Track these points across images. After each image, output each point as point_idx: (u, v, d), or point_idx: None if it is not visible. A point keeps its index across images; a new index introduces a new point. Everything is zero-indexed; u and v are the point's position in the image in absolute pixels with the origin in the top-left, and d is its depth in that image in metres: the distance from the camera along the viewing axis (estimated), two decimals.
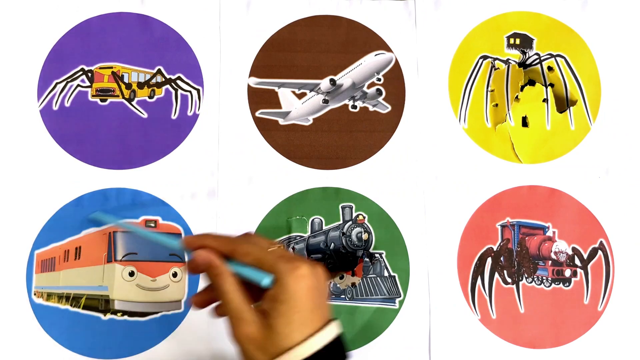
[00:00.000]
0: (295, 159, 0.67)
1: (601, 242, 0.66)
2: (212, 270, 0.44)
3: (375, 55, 0.69)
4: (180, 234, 0.64)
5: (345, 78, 0.68)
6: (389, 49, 0.69)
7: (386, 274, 0.64)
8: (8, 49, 0.67)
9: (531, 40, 0.70)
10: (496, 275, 0.65)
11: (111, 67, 0.68)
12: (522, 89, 0.69)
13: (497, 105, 0.69)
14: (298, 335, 0.40)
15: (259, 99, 0.68)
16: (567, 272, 0.65)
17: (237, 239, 0.45)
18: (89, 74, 0.67)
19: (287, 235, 0.65)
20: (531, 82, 0.69)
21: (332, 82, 0.68)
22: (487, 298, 0.65)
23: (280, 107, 0.68)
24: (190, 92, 0.67)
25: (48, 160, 0.65)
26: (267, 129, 0.67)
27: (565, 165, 0.68)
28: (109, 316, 0.62)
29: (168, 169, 0.65)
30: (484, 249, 0.66)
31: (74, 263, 0.63)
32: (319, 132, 0.67)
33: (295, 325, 0.40)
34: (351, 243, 0.65)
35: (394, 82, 0.69)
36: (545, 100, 0.69)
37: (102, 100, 0.67)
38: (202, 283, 0.63)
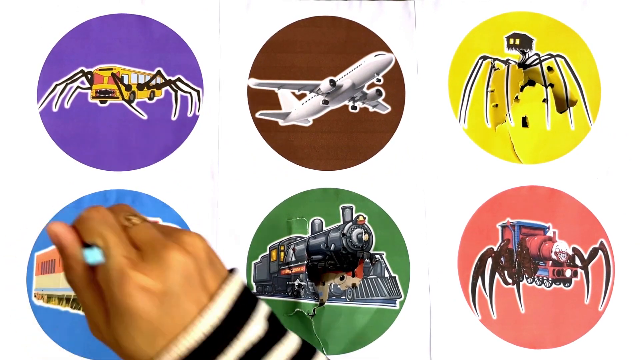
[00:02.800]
0: (295, 160, 0.67)
1: (601, 242, 0.66)
2: (60, 252, 0.34)
3: (375, 56, 0.69)
4: None
5: (345, 79, 0.68)
6: (388, 50, 0.69)
7: (387, 274, 0.64)
8: (8, 50, 0.67)
9: (531, 40, 0.70)
10: (497, 275, 0.65)
11: (111, 69, 0.68)
12: (522, 89, 0.69)
13: (497, 105, 0.69)
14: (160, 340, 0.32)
15: (259, 100, 0.68)
16: (568, 273, 0.65)
17: (89, 213, 0.35)
18: (89, 76, 0.67)
19: (287, 236, 0.65)
20: (531, 83, 0.69)
21: (332, 83, 0.68)
22: (488, 298, 0.65)
23: (280, 108, 0.68)
24: (190, 93, 0.67)
25: (48, 162, 0.65)
26: (267, 130, 0.67)
27: (566, 166, 0.68)
28: None
29: (168, 171, 0.65)
30: (485, 249, 0.66)
31: None
32: (319, 133, 0.67)
33: (144, 337, 0.32)
34: (351, 244, 0.65)
35: (393, 82, 0.69)
36: (545, 100, 0.69)
37: (101, 102, 0.67)
38: None
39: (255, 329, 0.33)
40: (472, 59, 0.70)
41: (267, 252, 0.64)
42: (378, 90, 0.69)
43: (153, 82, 0.68)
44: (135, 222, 0.35)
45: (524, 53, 0.70)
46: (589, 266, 0.66)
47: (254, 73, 0.68)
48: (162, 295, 0.31)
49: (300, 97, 0.68)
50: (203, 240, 0.35)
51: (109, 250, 0.32)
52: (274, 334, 0.34)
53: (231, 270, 0.36)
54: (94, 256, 0.32)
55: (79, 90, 0.67)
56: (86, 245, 0.33)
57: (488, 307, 0.64)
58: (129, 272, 0.31)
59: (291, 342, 0.34)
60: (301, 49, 0.69)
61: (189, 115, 0.67)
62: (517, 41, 0.70)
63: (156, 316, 0.31)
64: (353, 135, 0.67)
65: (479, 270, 0.65)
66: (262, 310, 0.34)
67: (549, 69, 0.70)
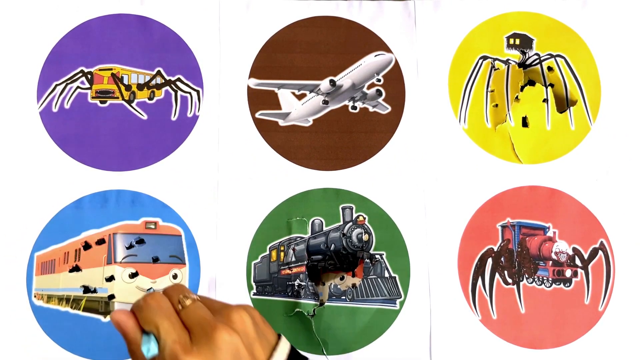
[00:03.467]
0: (295, 160, 0.67)
1: (602, 242, 0.66)
2: (124, 338, 0.38)
3: (375, 56, 0.69)
4: (180, 236, 0.64)
5: (345, 79, 0.68)
6: (388, 50, 0.69)
7: (387, 274, 0.64)
8: (8, 50, 0.67)
9: (531, 40, 0.70)
10: (497, 275, 0.65)
11: (111, 69, 0.68)
12: (522, 89, 0.69)
13: (497, 105, 0.69)
14: None
15: (259, 100, 0.68)
16: (568, 273, 0.65)
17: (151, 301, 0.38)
18: (89, 76, 0.67)
19: (287, 237, 0.65)
20: (531, 83, 0.69)
21: (332, 83, 0.68)
22: (488, 298, 0.65)
23: (280, 108, 0.68)
24: (190, 93, 0.67)
25: (48, 162, 0.65)
26: (267, 130, 0.67)
27: (566, 166, 0.68)
28: (109, 318, 0.62)
29: (168, 171, 0.65)
30: (485, 249, 0.66)
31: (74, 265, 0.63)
32: (318, 133, 0.67)
33: None
34: (351, 244, 0.65)
35: (393, 82, 0.69)
36: (545, 100, 0.69)
37: (101, 102, 0.67)
38: (203, 284, 0.63)
39: None
40: (472, 59, 0.70)
41: (267, 252, 0.64)
42: (378, 90, 0.68)
43: (153, 82, 0.68)
44: (187, 304, 0.38)
45: (524, 53, 0.70)
46: (589, 266, 0.66)
47: (253, 73, 0.68)
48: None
49: (300, 97, 0.68)
50: (250, 314, 0.38)
51: (162, 338, 0.36)
52: None
53: (279, 336, 0.39)
54: (149, 350, 0.36)
55: (78, 90, 0.67)
56: (144, 331, 0.37)
57: (488, 307, 0.64)
58: (181, 358, 0.35)
59: None
60: (301, 49, 0.69)
61: (189, 115, 0.67)
62: (517, 41, 0.70)
63: None
64: (353, 135, 0.67)
65: (479, 270, 0.65)
66: None
67: (549, 68, 0.70)
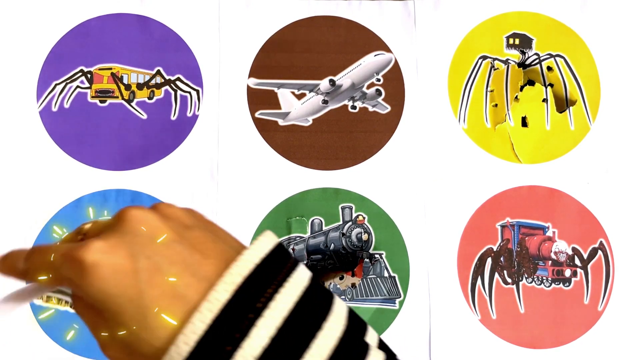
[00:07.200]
0: (294, 160, 0.67)
1: (601, 242, 0.66)
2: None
3: (375, 55, 0.69)
4: None
5: (345, 78, 0.68)
6: (388, 50, 0.69)
7: (386, 274, 0.64)
8: (7, 50, 0.67)
9: (530, 40, 0.70)
10: (496, 275, 0.65)
11: (110, 68, 0.68)
12: (521, 89, 0.69)
13: (496, 105, 0.69)
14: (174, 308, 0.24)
15: (259, 99, 0.68)
16: (567, 272, 0.65)
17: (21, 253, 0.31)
18: (88, 75, 0.67)
19: (287, 236, 0.65)
20: (531, 82, 0.69)
21: (332, 82, 0.68)
22: (487, 298, 0.65)
23: (279, 108, 0.68)
24: (189, 93, 0.67)
25: (47, 162, 0.65)
26: (266, 129, 0.67)
27: (565, 165, 0.68)
28: None
29: (168, 170, 0.65)
30: (484, 249, 0.66)
31: None
32: (318, 132, 0.67)
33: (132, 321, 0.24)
34: (351, 244, 0.65)
35: (393, 82, 0.69)
36: (545, 100, 0.69)
37: (101, 102, 0.67)
38: None
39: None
40: (471, 58, 0.70)
41: None
42: (378, 90, 0.69)
43: (153, 81, 0.68)
44: (86, 227, 0.30)
45: (523, 53, 0.70)
46: (589, 266, 0.66)
47: (253, 72, 0.68)
48: (129, 257, 0.25)
49: (299, 96, 0.68)
50: (190, 211, 0.30)
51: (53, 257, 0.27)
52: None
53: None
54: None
55: (78, 89, 0.67)
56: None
57: (487, 306, 0.64)
58: (74, 247, 0.25)
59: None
60: (301, 48, 0.69)
61: (189, 114, 0.67)
62: (517, 41, 0.70)
63: (133, 289, 0.24)
64: (353, 135, 0.67)
65: (479, 270, 0.65)
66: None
67: (549, 68, 0.70)
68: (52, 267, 0.27)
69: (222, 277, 0.25)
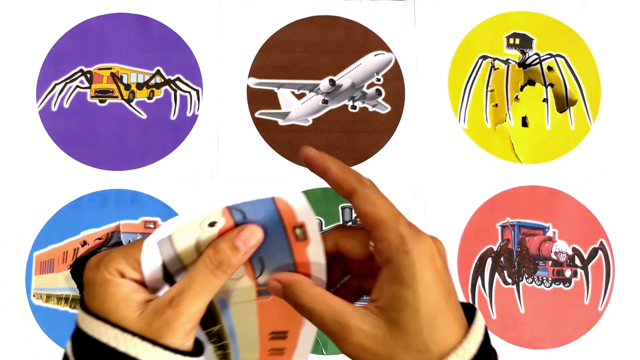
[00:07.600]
0: (294, 160, 0.67)
1: (601, 242, 0.66)
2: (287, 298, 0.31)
3: (375, 55, 0.69)
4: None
5: (345, 78, 0.68)
6: (388, 49, 0.69)
7: None
8: (7, 49, 0.67)
9: (531, 40, 0.70)
10: (496, 275, 0.65)
11: (110, 68, 0.67)
12: (521, 89, 0.69)
13: (496, 105, 0.69)
14: (430, 332, 0.28)
15: (258, 99, 0.68)
16: (568, 273, 0.65)
17: (359, 176, 0.32)
18: (88, 75, 0.67)
19: None
20: (531, 82, 0.69)
21: (332, 82, 0.68)
22: (487, 298, 0.64)
23: (279, 108, 0.68)
24: (189, 92, 0.67)
25: (47, 162, 0.65)
26: (266, 129, 0.67)
27: (565, 165, 0.68)
28: None
29: (167, 170, 0.65)
30: (484, 249, 0.66)
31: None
32: (318, 132, 0.67)
33: (424, 320, 0.28)
34: None
35: (393, 82, 0.69)
36: (545, 100, 0.69)
37: (101, 101, 0.67)
38: None
39: None
40: (472, 58, 0.70)
41: None
42: (378, 90, 0.68)
43: (152, 81, 0.67)
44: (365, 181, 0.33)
45: (523, 53, 0.70)
46: (589, 266, 0.66)
47: (253, 72, 0.68)
48: (444, 269, 0.30)
49: (299, 96, 0.68)
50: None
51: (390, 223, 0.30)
52: None
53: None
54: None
55: (78, 89, 0.67)
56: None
57: (488, 306, 0.64)
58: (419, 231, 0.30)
59: None
60: (301, 48, 0.69)
61: (189, 114, 0.67)
62: (517, 41, 0.70)
63: (443, 294, 0.29)
64: (353, 135, 0.67)
65: (479, 270, 0.65)
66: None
67: (549, 68, 0.70)
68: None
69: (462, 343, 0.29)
